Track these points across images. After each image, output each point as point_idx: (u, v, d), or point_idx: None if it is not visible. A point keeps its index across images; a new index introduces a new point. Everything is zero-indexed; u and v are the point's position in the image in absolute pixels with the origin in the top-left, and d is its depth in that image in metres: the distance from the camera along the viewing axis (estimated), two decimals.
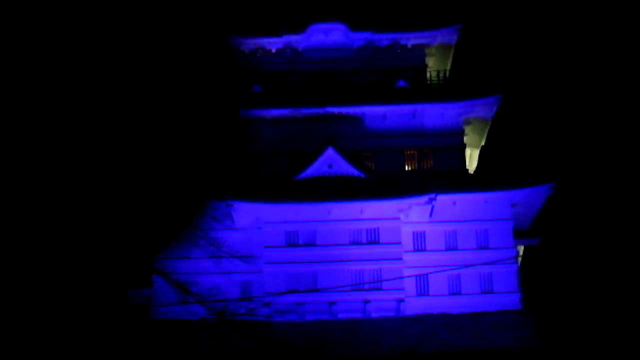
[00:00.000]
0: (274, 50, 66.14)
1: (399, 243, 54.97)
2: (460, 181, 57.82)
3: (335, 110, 61.36)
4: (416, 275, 53.08)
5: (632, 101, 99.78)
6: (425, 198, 54.55)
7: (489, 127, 63.49)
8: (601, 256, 75.23)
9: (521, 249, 59.90)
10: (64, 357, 29.79)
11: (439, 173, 59.33)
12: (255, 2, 71.26)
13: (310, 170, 57.14)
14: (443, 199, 55.12)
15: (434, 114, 61.64)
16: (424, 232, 56.43)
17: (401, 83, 63.03)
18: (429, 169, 60.69)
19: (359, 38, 65.82)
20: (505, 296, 54.43)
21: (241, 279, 53.41)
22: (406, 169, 61.19)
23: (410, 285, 54.28)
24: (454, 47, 66.33)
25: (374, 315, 53.31)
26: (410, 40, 65.84)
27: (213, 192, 38.64)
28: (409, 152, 61.52)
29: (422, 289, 55.08)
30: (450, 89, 63.49)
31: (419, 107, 61.40)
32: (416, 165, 61.34)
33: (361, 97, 61.91)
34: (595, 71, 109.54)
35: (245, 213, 55.36)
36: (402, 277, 52.87)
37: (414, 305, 53.89)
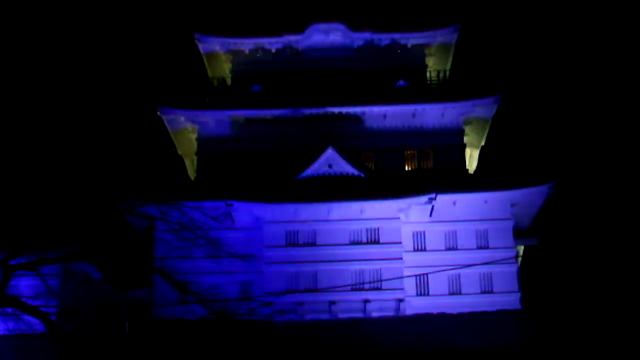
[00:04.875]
0: (273, 50, 66.16)
1: (399, 243, 54.97)
2: (460, 181, 57.86)
3: (335, 110, 61.41)
4: (416, 275, 53.08)
5: (632, 101, 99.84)
6: (425, 198, 54.56)
7: (489, 127, 63.53)
8: (601, 256, 75.24)
9: (521, 249, 59.92)
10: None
11: (439, 173, 59.37)
12: (255, 2, 71.37)
13: (310, 170, 57.16)
14: (443, 199, 55.15)
15: (434, 114, 61.67)
16: (424, 232, 56.44)
17: (401, 83, 63.06)
18: (429, 169, 60.70)
19: (359, 38, 65.84)
20: (505, 296, 54.45)
21: (241, 278, 53.43)
22: (406, 169, 61.20)
23: (410, 285, 54.30)
24: (454, 47, 66.36)
25: (374, 315, 53.31)
26: (410, 40, 65.85)
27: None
28: (409, 152, 61.52)
29: (422, 289, 55.10)
30: (450, 89, 63.56)
31: (419, 107, 61.41)
32: (416, 165, 61.35)
33: (361, 97, 61.96)
34: (595, 71, 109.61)
35: (245, 213, 55.41)
36: (402, 277, 52.87)
37: (414, 305, 53.92)
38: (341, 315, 53.44)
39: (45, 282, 31.69)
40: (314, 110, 61.38)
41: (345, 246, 54.97)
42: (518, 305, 54.30)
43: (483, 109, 61.52)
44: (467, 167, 61.78)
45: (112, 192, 37.70)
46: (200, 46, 66.51)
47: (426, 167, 60.93)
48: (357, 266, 54.32)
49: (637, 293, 64.83)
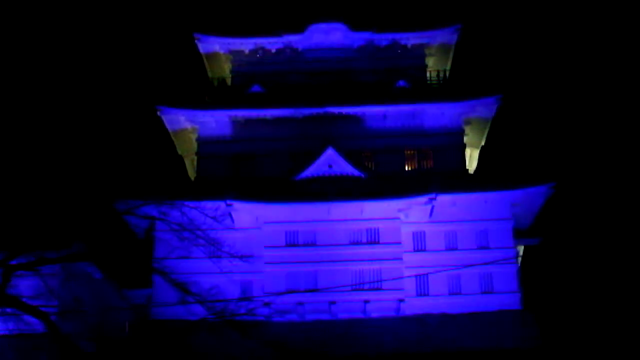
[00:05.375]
0: (274, 51, 66.22)
1: (399, 243, 54.94)
2: (460, 181, 57.83)
3: (335, 110, 61.43)
4: (416, 275, 53.05)
5: (632, 101, 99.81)
6: (425, 198, 54.54)
7: (489, 127, 63.51)
8: (601, 256, 75.21)
9: (521, 249, 59.89)
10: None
11: (439, 173, 59.33)
12: (255, 2, 71.41)
13: (310, 170, 57.14)
14: (443, 199, 55.10)
15: (434, 114, 61.68)
16: (424, 232, 56.39)
17: (401, 83, 63.06)
18: (429, 169, 60.71)
19: (359, 38, 65.91)
20: (505, 296, 54.40)
21: (241, 279, 53.34)
22: (406, 169, 61.19)
23: (410, 285, 54.23)
24: (454, 47, 66.36)
25: (373, 315, 53.28)
26: (410, 40, 65.92)
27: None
28: (409, 152, 61.53)
29: (422, 289, 55.06)
30: (450, 89, 63.57)
31: (419, 107, 61.44)
32: (416, 165, 61.35)
33: (361, 97, 61.97)
34: (595, 70, 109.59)
35: (245, 213, 55.36)
36: (402, 277, 52.83)
37: (414, 305, 53.86)
38: (341, 316, 53.42)
39: (45, 282, 31.67)
40: (314, 111, 61.41)
41: (345, 246, 54.95)
42: (518, 305, 54.23)
43: (483, 108, 61.52)
44: (467, 167, 61.77)
45: (112, 192, 37.68)
46: (200, 46, 66.54)
47: (426, 167, 60.94)
48: (357, 266, 54.29)
49: (637, 293, 64.77)
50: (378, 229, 55.32)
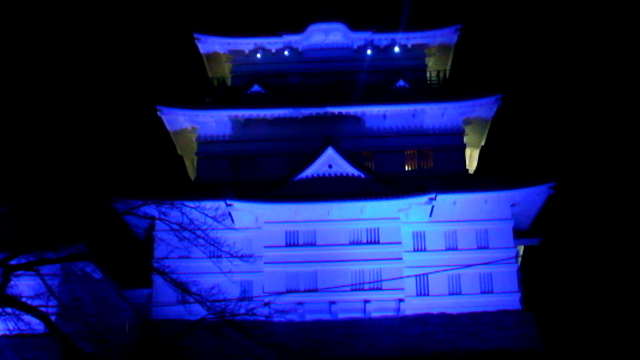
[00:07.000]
0: (273, 51, 66.30)
1: (399, 243, 54.91)
2: (460, 181, 57.80)
3: (335, 110, 61.48)
4: (416, 275, 52.99)
5: (632, 100, 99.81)
6: (425, 198, 54.51)
7: (489, 127, 63.51)
8: (601, 256, 75.23)
9: (521, 249, 59.88)
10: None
11: (439, 173, 59.39)
12: (255, 2, 71.51)
13: (310, 170, 57.12)
14: (443, 199, 55.08)
15: (434, 114, 61.71)
16: (424, 232, 56.37)
17: (401, 83, 63.09)
18: (429, 169, 60.76)
19: (359, 38, 65.98)
20: (505, 296, 54.35)
21: (241, 279, 53.21)
22: (406, 169, 61.23)
23: (410, 285, 54.21)
24: (454, 47, 66.39)
25: (373, 315, 53.24)
26: (410, 40, 65.97)
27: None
28: (409, 152, 61.58)
29: (422, 289, 55.04)
30: (450, 89, 63.59)
31: (418, 107, 61.46)
32: (416, 165, 61.40)
33: (361, 97, 62.03)
34: (595, 70, 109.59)
35: (245, 213, 55.33)
36: (402, 277, 52.75)
37: (414, 305, 53.83)
38: (341, 316, 53.36)
39: (45, 282, 31.69)
40: (314, 111, 61.46)
41: (345, 246, 54.90)
42: (518, 305, 54.18)
43: (483, 109, 61.53)
44: (467, 167, 61.77)
45: (112, 192, 37.69)
46: (200, 46, 66.59)
47: (426, 167, 61.00)
48: (357, 266, 54.23)
49: (637, 293, 64.80)
50: (378, 229, 55.29)
